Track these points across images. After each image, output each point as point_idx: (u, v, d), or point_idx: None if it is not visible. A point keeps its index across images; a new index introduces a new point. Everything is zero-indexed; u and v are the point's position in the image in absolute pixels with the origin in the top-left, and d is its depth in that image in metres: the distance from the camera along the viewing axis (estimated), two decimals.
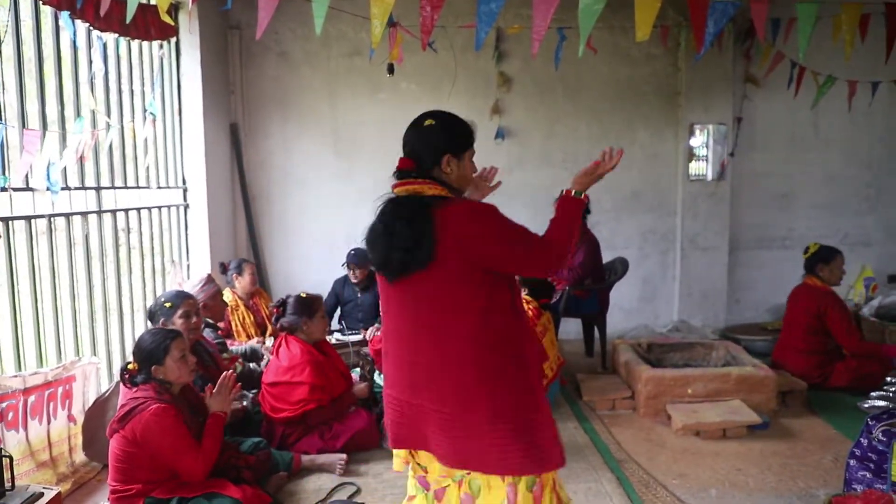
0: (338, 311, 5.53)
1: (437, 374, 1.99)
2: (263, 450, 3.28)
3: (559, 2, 2.47)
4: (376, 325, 5.01)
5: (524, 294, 4.21)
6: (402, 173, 2.07)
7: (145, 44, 4.56)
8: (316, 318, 3.78)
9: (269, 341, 4.60)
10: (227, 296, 4.71)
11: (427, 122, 2.13)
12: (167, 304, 3.49)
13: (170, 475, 2.81)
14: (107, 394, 3.53)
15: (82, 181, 3.84)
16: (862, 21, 3.74)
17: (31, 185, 3.32)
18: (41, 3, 3.34)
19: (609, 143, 6.30)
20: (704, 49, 2.63)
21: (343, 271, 5.45)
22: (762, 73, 5.71)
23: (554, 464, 1.99)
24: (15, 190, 3.25)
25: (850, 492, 2.83)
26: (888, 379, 4.39)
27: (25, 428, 3.09)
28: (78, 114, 3.74)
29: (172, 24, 4.68)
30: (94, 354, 3.86)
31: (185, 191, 5.17)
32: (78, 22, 3.57)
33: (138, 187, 4.51)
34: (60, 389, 3.32)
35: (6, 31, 3.17)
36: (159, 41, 4.67)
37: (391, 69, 4.98)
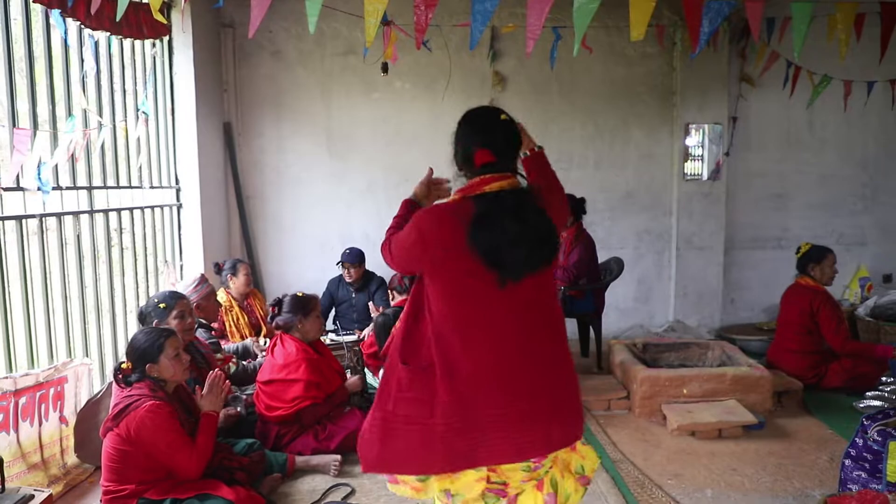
0: (332, 312, 5.52)
1: (558, 371, 1.97)
2: (257, 451, 3.26)
3: (554, 1, 2.45)
4: (372, 325, 5.00)
5: None
6: (490, 167, 1.95)
7: (137, 42, 4.52)
8: (311, 317, 3.77)
9: (263, 342, 4.58)
10: (222, 296, 4.68)
11: (504, 117, 2.05)
12: (161, 305, 3.47)
13: (163, 475, 2.79)
14: (99, 395, 3.50)
15: (74, 181, 3.81)
16: (857, 21, 3.73)
17: (21, 185, 3.29)
18: (31, 1, 3.31)
19: (604, 143, 6.36)
20: (699, 48, 2.62)
21: (337, 271, 5.43)
22: (757, 73, 5.71)
23: None
24: (5, 190, 3.22)
25: (846, 492, 2.83)
26: (883, 379, 4.40)
27: (16, 430, 3.06)
28: (69, 113, 3.71)
29: (165, 22, 4.66)
30: (87, 355, 3.84)
31: (178, 190, 5.14)
32: (69, 20, 3.54)
33: (131, 187, 4.48)
34: (52, 391, 3.29)
35: None
36: (152, 40, 4.64)
37: (385, 68, 4.96)
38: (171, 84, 5.04)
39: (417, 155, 5.99)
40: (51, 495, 2.73)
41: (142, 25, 4.26)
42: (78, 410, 3.44)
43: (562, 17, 4.65)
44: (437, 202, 2.12)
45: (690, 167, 6.10)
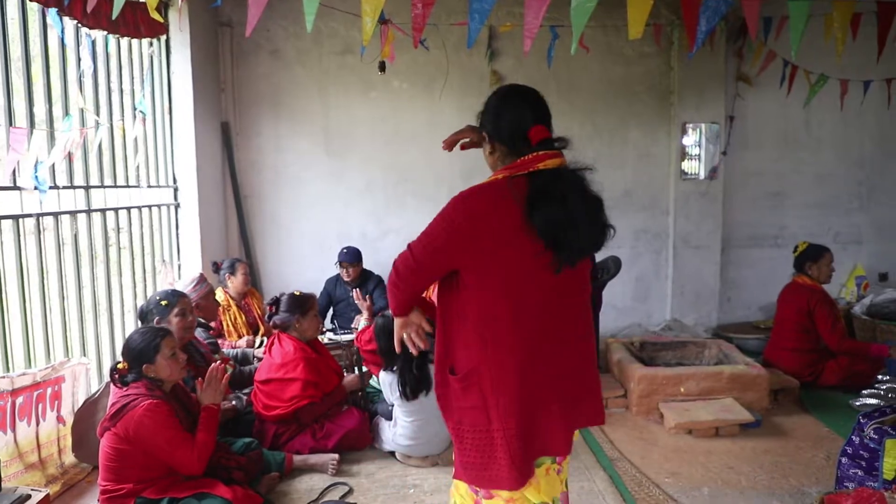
0: (330, 311, 5.52)
1: (593, 350, 2.01)
2: (255, 450, 3.27)
3: (551, 0, 2.45)
4: (364, 316, 5.01)
5: None
6: (547, 144, 1.85)
7: (135, 41, 4.52)
8: (309, 316, 3.78)
9: (260, 341, 4.58)
10: (220, 295, 4.68)
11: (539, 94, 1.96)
12: (163, 302, 3.47)
13: (161, 474, 2.79)
14: (97, 394, 3.50)
15: (71, 180, 3.80)
16: (854, 20, 3.75)
17: (18, 184, 3.29)
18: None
19: (602, 142, 6.37)
20: (696, 47, 2.62)
21: (335, 270, 5.43)
22: (754, 72, 5.72)
23: None
24: (2, 189, 3.21)
25: (842, 490, 2.83)
26: (879, 377, 4.41)
27: (13, 429, 3.06)
28: (66, 112, 3.70)
29: (162, 21, 4.65)
30: (84, 355, 3.83)
31: (175, 190, 5.13)
32: (66, 19, 3.53)
33: (128, 186, 4.48)
34: (49, 390, 3.28)
35: None
36: (149, 39, 4.63)
37: (383, 67, 4.96)
38: (168, 83, 5.03)
39: (416, 154, 6.00)
40: (48, 495, 2.72)
41: (139, 24, 4.25)
42: (75, 410, 3.43)
43: (559, 16, 4.66)
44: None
45: (688, 166, 6.11)
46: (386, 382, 3.60)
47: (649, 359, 4.78)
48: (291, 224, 6.02)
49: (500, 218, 1.76)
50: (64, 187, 3.72)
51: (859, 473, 2.88)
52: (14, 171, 3.22)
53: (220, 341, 4.37)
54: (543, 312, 1.84)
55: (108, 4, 3.45)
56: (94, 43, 3.92)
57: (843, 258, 6.17)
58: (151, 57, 4.79)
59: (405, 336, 2.07)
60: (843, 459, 2.97)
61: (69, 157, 3.64)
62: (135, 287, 4.51)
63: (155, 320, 3.41)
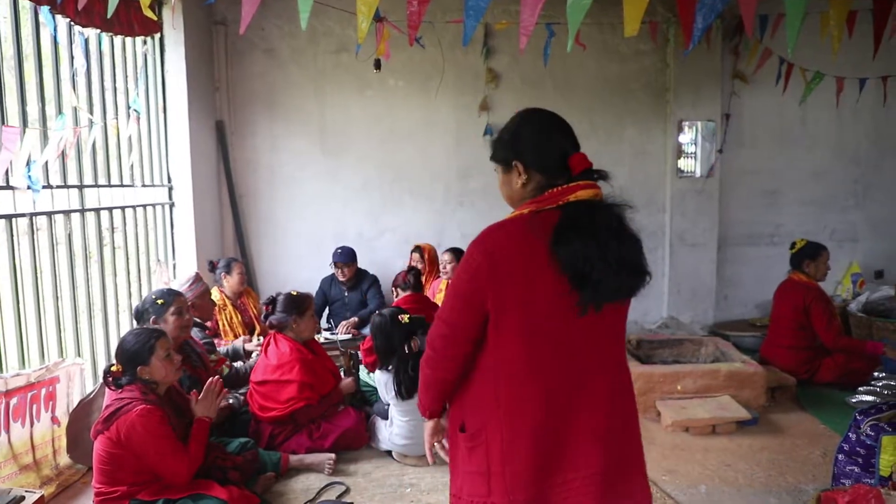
0: (326, 311, 5.51)
1: (633, 413, 1.74)
2: (251, 450, 3.25)
3: None
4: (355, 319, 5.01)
5: None
6: (587, 174, 1.68)
7: (128, 40, 4.49)
8: (306, 317, 3.76)
9: (256, 340, 4.56)
10: (215, 295, 4.66)
11: None
12: (159, 302, 3.45)
13: (155, 477, 2.77)
14: (91, 395, 3.48)
15: (65, 179, 3.78)
16: (849, 17, 3.74)
17: (11, 184, 3.26)
18: None
19: (598, 140, 6.35)
20: (693, 45, 2.60)
21: (331, 270, 5.42)
22: (750, 70, 5.72)
23: None
24: None
25: (839, 486, 2.83)
26: (875, 374, 4.41)
27: (8, 430, 3.04)
28: (59, 111, 3.68)
29: (155, 19, 4.62)
30: (79, 355, 3.81)
31: (170, 189, 5.11)
32: (59, 17, 3.51)
33: (122, 186, 4.45)
34: (44, 391, 3.27)
35: None
36: (143, 37, 4.61)
37: (378, 65, 4.95)
38: (162, 82, 5.01)
39: (412, 152, 5.98)
40: (43, 496, 2.72)
41: (133, 23, 4.22)
42: (70, 411, 3.42)
43: (555, 13, 4.65)
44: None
45: (684, 164, 6.11)
46: (381, 382, 3.59)
47: (646, 357, 4.77)
48: (287, 223, 6.01)
49: (520, 254, 1.57)
50: (57, 186, 3.70)
51: (856, 470, 2.89)
52: (7, 171, 3.20)
53: (215, 341, 4.35)
54: (569, 363, 1.62)
55: (101, 3, 3.44)
56: (87, 41, 3.90)
57: (839, 256, 6.17)
58: (145, 55, 4.77)
59: (437, 446, 1.89)
60: (840, 456, 2.98)
61: (62, 156, 3.61)
62: (129, 287, 4.49)
63: (151, 319, 3.39)
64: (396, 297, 4.58)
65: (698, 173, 6.10)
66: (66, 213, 3.78)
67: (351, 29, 5.70)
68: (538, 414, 1.60)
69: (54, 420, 3.36)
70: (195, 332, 3.98)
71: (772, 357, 4.77)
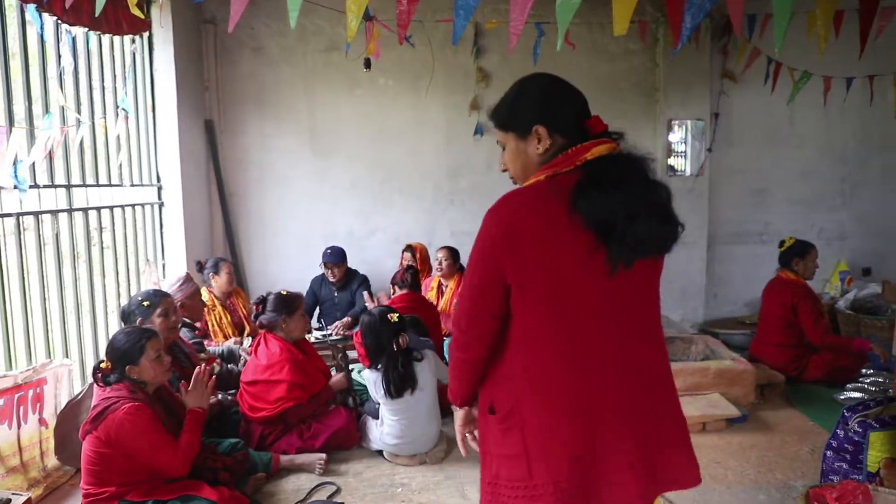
0: (316, 311, 5.49)
1: (666, 393, 1.63)
2: (241, 451, 3.23)
3: None
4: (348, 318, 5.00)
5: None
6: (605, 135, 1.59)
7: (117, 38, 4.46)
8: (296, 316, 3.75)
9: (247, 341, 4.54)
10: (204, 295, 4.64)
11: None
12: (145, 303, 3.42)
13: (144, 477, 2.76)
14: (79, 396, 3.46)
15: (52, 179, 3.75)
16: (836, 17, 3.77)
17: None
18: None
19: None
20: (681, 44, 2.61)
21: (321, 270, 5.40)
22: (739, 69, 5.75)
23: None
24: None
25: (827, 483, 2.86)
26: (863, 371, 4.45)
27: None
28: (47, 110, 3.65)
29: (144, 17, 4.59)
30: (66, 356, 3.78)
31: (159, 189, 5.08)
32: (45, 15, 3.48)
33: (111, 185, 4.42)
34: (31, 392, 3.24)
35: None
36: (131, 35, 4.58)
37: (368, 64, 4.94)
38: (151, 81, 4.97)
39: (402, 151, 5.98)
40: (30, 498, 2.70)
41: (121, 21, 4.20)
42: (58, 412, 3.39)
43: (545, 13, 4.64)
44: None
45: (674, 163, 6.13)
46: (371, 381, 3.59)
47: None
48: (277, 223, 5.99)
49: (538, 217, 1.47)
50: (45, 186, 3.66)
51: (844, 466, 2.91)
52: None
53: (205, 342, 4.33)
54: (600, 329, 1.52)
55: (89, 1, 3.41)
56: (74, 40, 3.87)
57: (827, 254, 6.21)
58: (134, 54, 4.73)
59: (468, 436, 1.82)
60: (828, 453, 3.00)
61: (50, 155, 3.58)
62: (118, 287, 4.47)
63: (137, 321, 3.37)
64: (394, 293, 4.58)
65: (688, 172, 6.13)
66: (54, 212, 3.75)
67: (341, 28, 5.69)
68: (573, 384, 1.51)
69: (42, 422, 3.33)
70: (184, 333, 3.96)
71: (761, 355, 4.80)
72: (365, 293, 4.91)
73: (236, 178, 5.90)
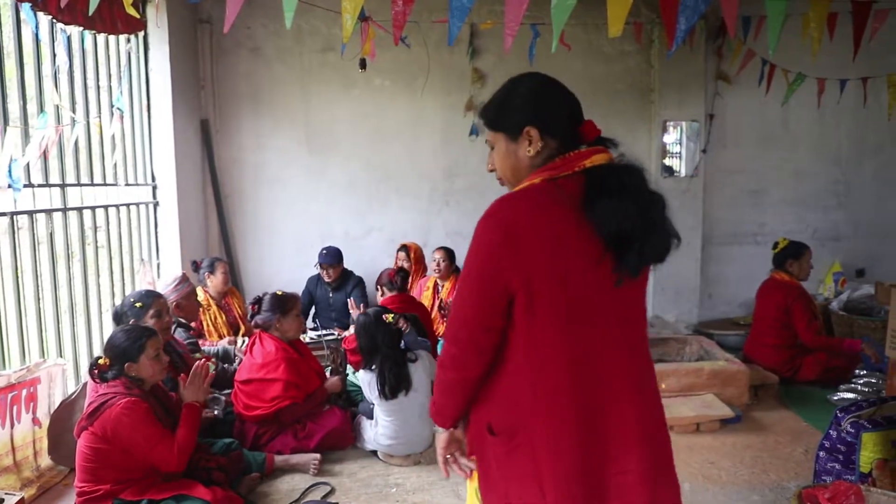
0: (312, 311, 5.49)
1: (657, 408, 1.58)
2: (235, 451, 3.24)
3: None
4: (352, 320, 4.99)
5: None
6: (600, 142, 1.54)
7: (112, 37, 4.46)
8: (290, 316, 3.75)
9: (242, 341, 4.54)
10: (199, 295, 4.63)
11: None
12: (138, 304, 3.42)
13: (139, 475, 2.76)
14: (73, 396, 3.45)
15: (46, 178, 3.74)
16: (830, 19, 3.79)
17: None
18: None
19: None
20: (676, 46, 2.63)
21: (316, 270, 5.40)
22: (734, 71, 5.77)
23: None
24: None
25: (820, 483, 2.87)
26: (857, 372, 4.47)
27: None
28: (41, 109, 3.64)
29: (139, 17, 4.58)
30: (60, 356, 3.77)
31: (154, 188, 5.07)
32: (40, 14, 3.47)
33: (105, 184, 4.41)
34: (24, 392, 3.23)
35: None
36: (126, 35, 4.57)
37: (363, 64, 4.94)
38: (146, 80, 4.97)
39: (398, 151, 5.98)
40: (23, 498, 2.69)
41: (116, 20, 4.19)
42: (51, 412, 3.38)
43: (540, 14, 4.66)
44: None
45: (668, 164, 6.15)
46: (365, 381, 3.59)
47: None
48: (272, 222, 5.98)
49: (545, 223, 1.41)
50: (39, 185, 3.66)
51: (837, 467, 2.92)
52: None
53: (200, 342, 4.33)
54: (606, 342, 1.48)
55: (84, 0, 3.40)
56: (69, 39, 3.86)
57: (822, 255, 6.24)
58: (129, 53, 4.73)
59: (449, 459, 1.71)
60: (821, 453, 3.01)
61: (45, 154, 3.57)
62: (112, 287, 4.46)
63: (130, 322, 3.36)
64: (382, 295, 4.57)
65: (683, 173, 6.15)
66: (49, 211, 3.74)
67: (337, 28, 5.69)
68: (583, 400, 1.45)
69: (35, 421, 3.32)
70: (180, 333, 3.96)
71: (755, 355, 4.82)
72: (350, 300, 4.89)
73: (232, 177, 5.90)
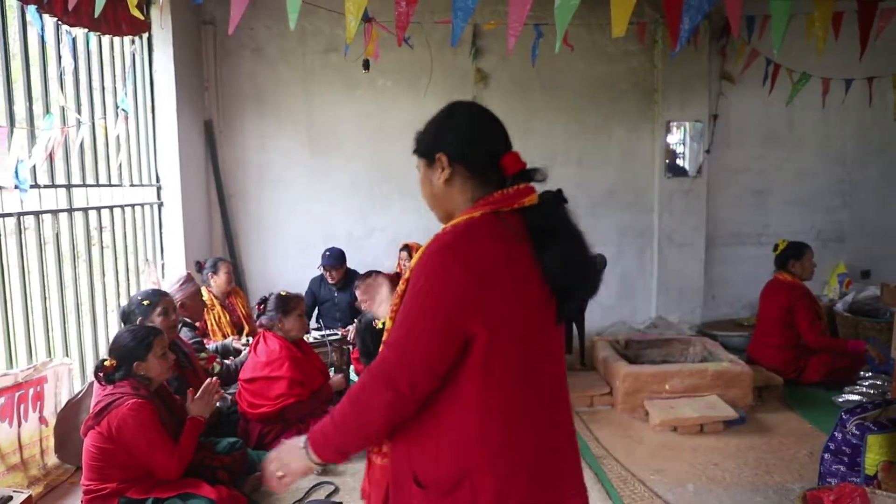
0: (315, 311, 5.49)
1: (575, 443, 1.56)
2: (239, 450, 3.24)
3: None
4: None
5: None
6: (524, 177, 1.49)
7: (117, 39, 4.47)
8: (292, 316, 3.76)
9: (246, 341, 4.55)
10: (203, 295, 4.65)
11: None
12: (145, 303, 3.44)
13: (145, 474, 2.77)
14: (79, 395, 3.47)
15: (52, 179, 3.76)
16: (835, 19, 3.78)
17: None
18: None
19: (587, 140, 6.37)
20: (679, 46, 2.62)
21: (319, 270, 5.40)
22: (737, 71, 5.76)
23: None
24: None
25: (825, 485, 2.86)
26: (862, 373, 4.45)
27: None
28: (47, 111, 3.66)
29: (143, 18, 4.60)
30: (67, 355, 3.79)
31: (158, 189, 5.09)
32: (46, 16, 3.49)
33: (111, 185, 4.43)
34: (31, 391, 3.25)
35: None
36: (131, 36, 4.59)
37: (366, 65, 4.95)
38: (151, 81, 4.99)
39: (401, 152, 5.93)
40: (30, 496, 2.70)
41: (120, 22, 4.21)
42: (58, 411, 3.40)
43: (543, 14, 4.67)
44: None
45: (672, 164, 6.14)
46: None
47: (634, 356, 4.80)
48: (276, 223, 6.00)
49: (509, 265, 1.35)
50: (45, 186, 3.68)
51: (842, 469, 2.91)
52: None
53: (204, 341, 4.34)
54: (550, 380, 1.45)
55: (89, 2, 3.42)
56: (74, 40, 3.88)
57: (826, 256, 6.23)
58: (133, 55, 4.75)
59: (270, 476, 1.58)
60: (826, 455, 3.00)
61: (50, 155, 3.59)
62: (118, 287, 4.47)
63: (138, 321, 3.38)
64: None
65: (686, 173, 6.14)
66: (54, 212, 3.76)
67: (340, 29, 5.70)
68: (535, 442, 1.39)
69: (42, 420, 3.34)
70: (185, 332, 3.97)
71: (759, 356, 4.81)
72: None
73: (235, 178, 5.91)
